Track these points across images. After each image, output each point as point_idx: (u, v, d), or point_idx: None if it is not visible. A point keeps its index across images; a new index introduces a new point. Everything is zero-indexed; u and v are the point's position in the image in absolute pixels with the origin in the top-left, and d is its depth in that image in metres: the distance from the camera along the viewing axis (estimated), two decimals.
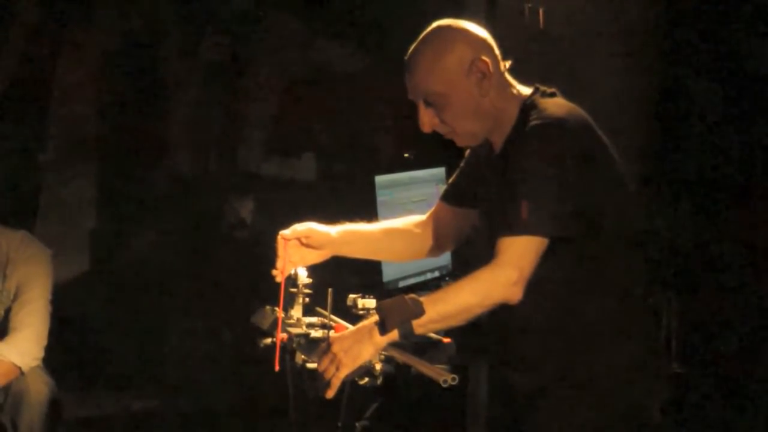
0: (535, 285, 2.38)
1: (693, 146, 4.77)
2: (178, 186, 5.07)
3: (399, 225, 2.84)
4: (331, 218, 4.85)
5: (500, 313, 2.39)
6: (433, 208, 2.87)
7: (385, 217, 3.73)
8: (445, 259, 4.08)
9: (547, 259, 2.39)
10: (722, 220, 4.67)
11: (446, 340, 3.05)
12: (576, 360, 2.52)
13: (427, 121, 2.53)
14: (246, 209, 4.98)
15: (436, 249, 2.87)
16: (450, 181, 2.84)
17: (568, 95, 2.55)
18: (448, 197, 2.83)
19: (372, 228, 2.79)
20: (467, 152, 2.76)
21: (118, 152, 5.27)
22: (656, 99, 4.88)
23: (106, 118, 5.29)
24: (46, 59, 4.96)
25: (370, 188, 3.83)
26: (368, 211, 3.80)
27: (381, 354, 2.36)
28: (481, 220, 2.70)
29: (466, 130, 2.54)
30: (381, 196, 3.84)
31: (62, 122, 5.17)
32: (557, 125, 2.43)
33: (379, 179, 3.86)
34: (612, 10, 4.81)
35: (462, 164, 2.81)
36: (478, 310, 2.38)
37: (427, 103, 2.51)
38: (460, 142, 2.58)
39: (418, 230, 2.83)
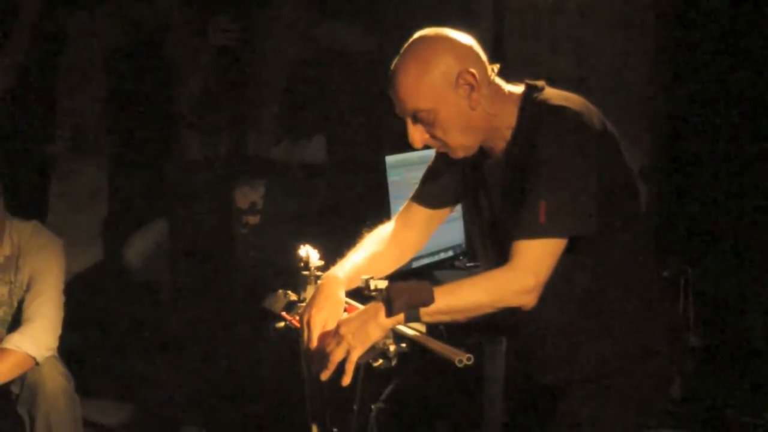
0: (552, 282, 2.35)
1: (706, 119, 4.74)
2: (189, 172, 5.05)
3: (379, 248, 2.73)
4: (343, 200, 4.86)
5: (518, 312, 2.37)
6: (401, 211, 2.80)
7: (397, 197, 3.74)
8: (458, 237, 4.06)
9: (564, 255, 2.36)
10: (737, 190, 4.64)
11: None
12: (598, 352, 2.51)
13: (418, 137, 2.46)
14: (257, 193, 4.97)
15: (413, 251, 2.81)
16: (422, 182, 2.76)
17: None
18: (423, 199, 2.76)
19: (362, 259, 2.67)
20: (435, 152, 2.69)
21: (127, 140, 5.27)
22: (667, 71, 4.85)
23: (114, 106, 5.28)
24: (52, 48, 4.95)
25: (381, 168, 3.82)
26: (379, 192, 3.80)
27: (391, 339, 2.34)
28: (474, 226, 2.66)
29: (458, 144, 2.48)
30: (392, 176, 3.83)
31: (70, 111, 5.16)
32: (572, 121, 2.38)
33: (390, 159, 3.84)
34: None
35: (433, 165, 2.74)
36: (488, 310, 2.36)
37: (416, 120, 2.45)
38: (453, 155, 2.52)
39: (393, 246, 2.75)
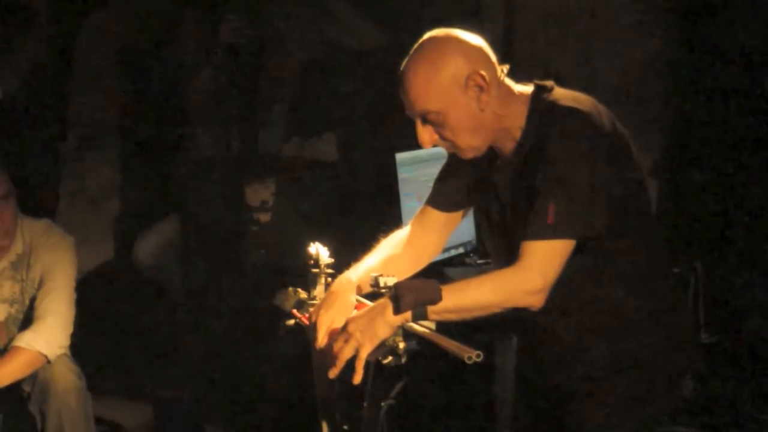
0: (561, 282, 2.35)
1: (717, 116, 4.72)
2: (199, 170, 5.06)
3: (395, 251, 2.72)
4: (353, 197, 4.87)
5: (529, 311, 2.36)
6: (417, 215, 2.79)
7: (407, 194, 3.74)
8: (469, 234, 4.06)
9: (573, 256, 2.36)
10: (748, 187, 4.62)
11: None
12: (609, 351, 2.51)
13: (427, 138, 2.47)
14: (268, 191, 4.97)
15: (430, 255, 2.80)
16: (435, 185, 2.76)
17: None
18: (437, 202, 2.75)
19: (377, 262, 2.66)
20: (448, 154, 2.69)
21: (137, 138, 5.27)
22: (677, 69, 4.84)
23: (125, 104, 5.28)
24: (63, 46, 4.96)
25: (391, 165, 3.82)
26: (389, 189, 3.80)
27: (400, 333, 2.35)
28: (484, 226, 2.66)
29: (468, 145, 2.48)
30: (402, 173, 3.83)
31: (81, 109, 5.17)
32: (581, 123, 2.37)
33: (400, 156, 3.84)
34: None
35: (445, 167, 2.74)
36: (495, 310, 2.36)
37: (425, 121, 2.45)
38: (463, 156, 2.52)
39: (410, 249, 2.74)
